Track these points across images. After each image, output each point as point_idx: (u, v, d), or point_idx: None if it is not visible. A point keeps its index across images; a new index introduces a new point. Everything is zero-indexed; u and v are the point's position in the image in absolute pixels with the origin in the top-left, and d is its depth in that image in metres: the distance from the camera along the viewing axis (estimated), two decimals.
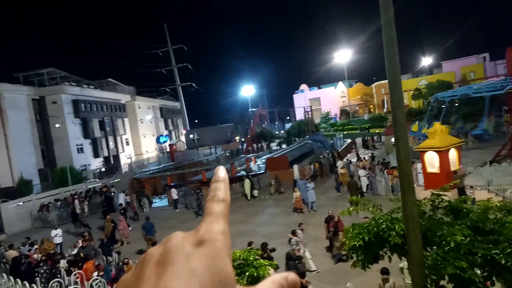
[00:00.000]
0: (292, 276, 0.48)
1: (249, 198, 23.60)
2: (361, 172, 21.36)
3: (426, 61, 73.11)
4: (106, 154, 49.09)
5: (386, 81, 4.97)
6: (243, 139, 49.05)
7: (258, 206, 21.80)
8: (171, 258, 0.43)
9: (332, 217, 13.38)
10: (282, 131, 60.26)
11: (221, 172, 0.55)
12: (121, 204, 23.29)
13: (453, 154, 17.88)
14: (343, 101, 77.07)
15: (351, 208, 6.78)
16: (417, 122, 28.77)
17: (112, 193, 27.34)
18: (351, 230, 5.90)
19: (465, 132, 30.72)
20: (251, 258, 5.93)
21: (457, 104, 27.17)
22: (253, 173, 29.94)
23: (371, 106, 75.39)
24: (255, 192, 24.43)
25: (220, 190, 0.52)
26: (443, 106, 29.85)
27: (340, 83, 79.26)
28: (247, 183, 24.11)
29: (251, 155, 39.26)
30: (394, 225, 5.54)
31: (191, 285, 0.40)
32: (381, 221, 5.66)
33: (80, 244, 14.75)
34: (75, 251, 14.38)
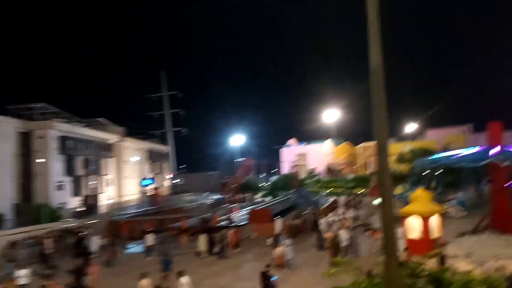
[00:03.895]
0: None
1: (202, 256, 21.50)
2: (342, 233, 20.96)
3: (411, 127, 75.68)
4: (86, 193, 47.92)
5: (372, 143, 5.09)
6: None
7: (237, 259, 21.15)
8: None
9: None
10: (268, 183, 60.18)
11: None
12: (86, 248, 22.94)
13: (435, 221, 17.90)
14: (329, 159, 78.05)
15: (332, 270, 6.64)
16: (401, 185, 29.03)
17: (85, 234, 26.27)
18: None
19: (446, 200, 30.84)
20: None
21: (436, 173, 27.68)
22: (234, 224, 29.31)
23: (355, 167, 76.37)
24: (216, 249, 22.37)
25: None
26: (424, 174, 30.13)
27: (328, 140, 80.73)
28: (202, 238, 22.29)
29: (235, 204, 38.78)
30: None
31: None
32: (363, 286, 5.55)
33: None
34: None
